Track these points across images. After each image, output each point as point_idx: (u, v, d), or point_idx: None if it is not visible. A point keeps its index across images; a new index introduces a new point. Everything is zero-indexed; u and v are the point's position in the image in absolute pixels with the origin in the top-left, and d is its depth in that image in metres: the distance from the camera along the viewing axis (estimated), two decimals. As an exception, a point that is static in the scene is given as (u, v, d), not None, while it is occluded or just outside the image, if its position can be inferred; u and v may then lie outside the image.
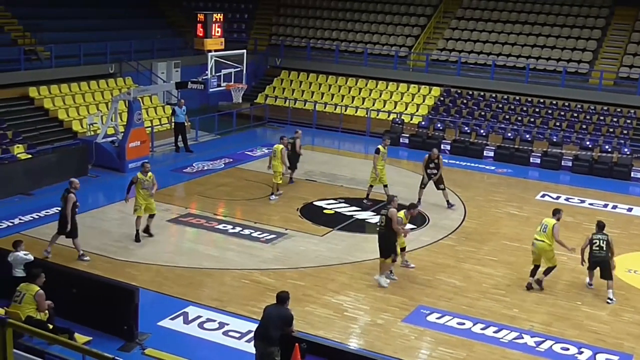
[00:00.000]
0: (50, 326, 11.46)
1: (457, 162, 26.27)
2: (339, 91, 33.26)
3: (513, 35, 33.35)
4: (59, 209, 16.19)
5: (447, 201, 20.84)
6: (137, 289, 12.78)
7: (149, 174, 17.22)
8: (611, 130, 28.24)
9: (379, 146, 20.96)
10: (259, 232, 18.15)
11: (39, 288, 11.56)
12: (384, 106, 31.83)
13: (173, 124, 26.64)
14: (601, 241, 15.04)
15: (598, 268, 15.18)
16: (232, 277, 15.47)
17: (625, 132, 27.99)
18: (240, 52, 24.80)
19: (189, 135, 28.42)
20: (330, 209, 20.41)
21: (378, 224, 15.53)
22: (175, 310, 13.73)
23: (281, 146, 21.32)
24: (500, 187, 23.73)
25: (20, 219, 18.22)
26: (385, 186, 20.90)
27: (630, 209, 21.82)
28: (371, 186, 20.97)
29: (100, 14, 32.32)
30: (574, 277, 16.25)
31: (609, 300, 14.89)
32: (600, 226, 15.36)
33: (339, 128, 30.77)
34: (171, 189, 21.64)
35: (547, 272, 15.49)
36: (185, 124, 26.62)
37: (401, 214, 15.51)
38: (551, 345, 13.08)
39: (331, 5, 37.87)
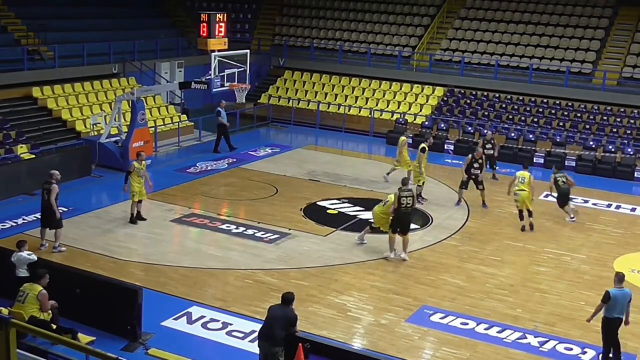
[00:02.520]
0: (54, 326, 11.46)
1: (461, 162, 26.11)
2: (342, 91, 33.26)
3: (516, 35, 33.32)
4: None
5: (483, 201, 21.06)
6: (141, 288, 12.78)
7: (144, 162, 18.49)
8: (614, 130, 28.21)
9: (424, 144, 21.37)
10: (262, 232, 18.15)
11: (42, 288, 11.56)
12: (387, 106, 31.82)
13: (222, 125, 26.35)
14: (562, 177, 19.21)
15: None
16: (235, 277, 15.47)
17: (628, 132, 27.94)
18: (244, 52, 24.83)
19: (193, 135, 28.51)
20: (334, 209, 20.41)
21: (404, 204, 16.30)
22: (179, 310, 13.74)
23: (403, 137, 22.60)
24: (503, 187, 23.66)
25: (23, 219, 18.23)
26: (419, 186, 21.14)
27: (633, 209, 21.79)
28: (419, 185, 21.14)
29: (103, 13, 32.35)
30: (578, 277, 16.26)
31: (569, 220, 19.83)
32: (558, 167, 19.64)
33: (342, 128, 30.76)
34: (175, 189, 21.64)
35: (530, 214, 19.09)
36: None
37: (391, 197, 16.78)
38: (555, 345, 13.07)
39: (334, 5, 37.87)
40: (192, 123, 28.97)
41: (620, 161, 26.04)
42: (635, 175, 25.42)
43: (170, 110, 29.50)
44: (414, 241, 18.02)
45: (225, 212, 19.92)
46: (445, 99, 31.66)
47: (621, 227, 20.00)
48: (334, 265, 16.28)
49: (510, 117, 29.85)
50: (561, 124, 29.02)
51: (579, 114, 29.47)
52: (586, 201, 22.36)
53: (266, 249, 17.11)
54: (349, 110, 31.77)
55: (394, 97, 32.33)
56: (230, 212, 20.02)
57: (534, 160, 26.63)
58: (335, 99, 32.83)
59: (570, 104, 30.03)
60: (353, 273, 15.94)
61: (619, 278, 12.09)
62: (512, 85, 30.97)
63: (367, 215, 19.80)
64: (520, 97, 30.81)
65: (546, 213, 20.87)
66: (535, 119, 29.46)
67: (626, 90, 29.57)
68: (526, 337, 13.32)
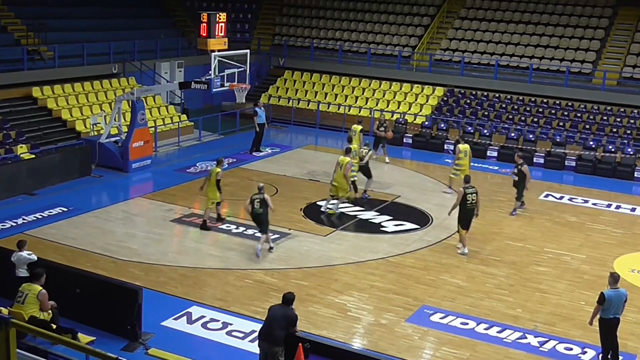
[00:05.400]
0: (54, 326, 11.47)
1: (461, 162, 26.25)
2: (342, 91, 33.25)
3: (516, 35, 33.32)
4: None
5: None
6: (141, 288, 12.79)
7: None
8: (614, 130, 28.21)
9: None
10: (262, 232, 18.14)
11: (41, 288, 11.56)
12: (387, 106, 31.81)
13: (257, 125, 26.43)
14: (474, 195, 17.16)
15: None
16: (235, 277, 15.48)
17: (628, 132, 27.94)
18: (244, 52, 24.80)
19: (193, 135, 28.51)
20: (334, 209, 20.37)
21: (469, 201, 16.96)
22: (179, 310, 13.75)
23: (466, 145, 22.29)
24: (503, 187, 23.64)
25: (23, 219, 18.24)
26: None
27: (633, 209, 21.79)
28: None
29: (103, 13, 32.34)
30: (578, 277, 16.26)
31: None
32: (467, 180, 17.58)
33: (342, 128, 30.75)
34: (175, 189, 21.65)
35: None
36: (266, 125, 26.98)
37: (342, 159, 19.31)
38: (555, 345, 13.08)
39: (334, 5, 37.86)
40: (192, 123, 28.98)
41: (620, 161, 26.04)
42: (635, 175, 25.42)
43: (170, 110, 29.50)
44: (413, 241, 18.03)
45: (225, 212, 19.91)
46: (445, 99, 31.66)
47: (621, 227, 20.00)
48: (334, 265, 16.29)
49: (510, 117, 29.85)
50: (561, 124, 29.02)
51: (579, 114, 29.47)
52: (586, 201, 22.37)
53: (266, 249, 17.10)
54: (349, 110, 31.76)
55: (394, 97, 32.32)
56: (230, 212, 20.01)
57: (534, 160, 26.63)
58: (335, 99, 32.82)
59: (570, 104, 30.02)
60: (353, 273, 15.94)
61: (614, 279, 12.09)
62: (512, 85, 30.97)
63: (367, 215, 19.85)
64: (520, 97, 30.80)
65: (546, 213, 20.88)
66: (535, 119, 29.45)
67: (626, 90, 29.57)
68: (526, 337, 13.32)
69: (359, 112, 31.54)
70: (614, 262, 17.18)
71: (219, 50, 23.30)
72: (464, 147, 21.99)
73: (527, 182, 20.52)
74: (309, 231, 18.50)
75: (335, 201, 19.81)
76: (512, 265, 16.83)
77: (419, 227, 19.21)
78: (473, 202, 17.06)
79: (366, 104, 32.20)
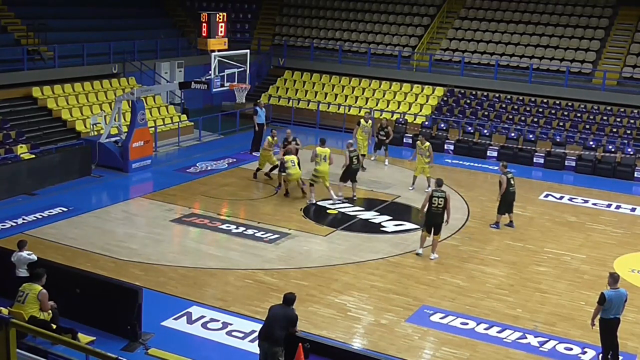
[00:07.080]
0: (54, 326, 11.47)
1: (461, 162, 26.29)
2: (342, 91, 33.26)
3: (516, 35, 33.32)
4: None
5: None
6: (141, 288, 12.79)
7: None
8: (614, 130, 28.21)
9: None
10: (262, 232, 18.15)
11: (41, 288, 11.56)
12: (387, 106, 31.82)
13: (256, 125, 26.41)
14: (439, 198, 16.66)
15: None
16: (235, 277, 15.48)
17: (628, 132, 27.93)
18: (244, 52, 24.80)
19: (193, 135, 28.50)
20: (334, 209, 20.40)
21: (435, 204, 16.52)
22: (179, 310, 13.75)
23: (427, 144, 22.24)
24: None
25: (23, 219, 18.23)
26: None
27: (633, 209, 21.79)
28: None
29: (103, 13, 32.34)
30: (578, 277, 16.26)
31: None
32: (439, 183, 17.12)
33: (342, 128, 30.76)
34: (175, 189, 21.64)
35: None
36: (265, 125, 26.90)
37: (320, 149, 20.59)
38: (555, 345, 13.08)
39: (334, 5, 37.87)
40: (192, 123, 28.99)
41: (620, 161, 26.04)
42: (635, 175, 25.41)
43: (170, 110, 29.50)
44: (413, 241, 18.03)
45: (225, 212, 19.92)
46: (445, 99, 31.66)
47: (621, 227, 20.00)
48: (334, 265, 16.29)
49: (510, 117, 29.85)
50: (561, 124, 29.01)
51: (579, 114, 29.47)
52: (586, 201, 22.36)
53: (266, 249, 17.11)
54: (348, 110, 31.76)
55: (394, 97, 32.33)
56: (230, 212, 20.02)
57: (534, 160, 26.64)
58: (335, 99, 32.83)
59: (570, 104, 30.02)
60: (353, 273, 15.94)
61: (614, 279, 12.09)
62: (512, 85, 30.97)
63: (367, 215, 19.85)
64: (520, 97, 30.80)
65: (546, 213, 20.89)
66: (535, 119, 29.45)
67: (626, 90, 29.57)
68: (526, 337, 13.32)
69: (359, 112, 31.54)
70: (614, 262, 17.18)
71: (219, 50, 23.30)
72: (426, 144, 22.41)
73: (499, 193, 19.35)
74: (309, 231, 18.50)
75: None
76: (512, 265, 16.83)
77: (419, 227, 19.20)
78: (439, 206, 16.56)
79: (366, 104, 32.19)
